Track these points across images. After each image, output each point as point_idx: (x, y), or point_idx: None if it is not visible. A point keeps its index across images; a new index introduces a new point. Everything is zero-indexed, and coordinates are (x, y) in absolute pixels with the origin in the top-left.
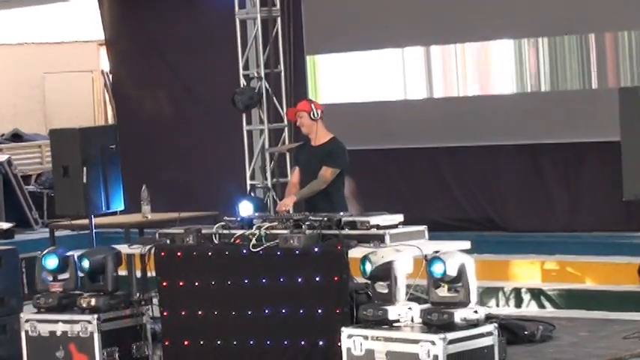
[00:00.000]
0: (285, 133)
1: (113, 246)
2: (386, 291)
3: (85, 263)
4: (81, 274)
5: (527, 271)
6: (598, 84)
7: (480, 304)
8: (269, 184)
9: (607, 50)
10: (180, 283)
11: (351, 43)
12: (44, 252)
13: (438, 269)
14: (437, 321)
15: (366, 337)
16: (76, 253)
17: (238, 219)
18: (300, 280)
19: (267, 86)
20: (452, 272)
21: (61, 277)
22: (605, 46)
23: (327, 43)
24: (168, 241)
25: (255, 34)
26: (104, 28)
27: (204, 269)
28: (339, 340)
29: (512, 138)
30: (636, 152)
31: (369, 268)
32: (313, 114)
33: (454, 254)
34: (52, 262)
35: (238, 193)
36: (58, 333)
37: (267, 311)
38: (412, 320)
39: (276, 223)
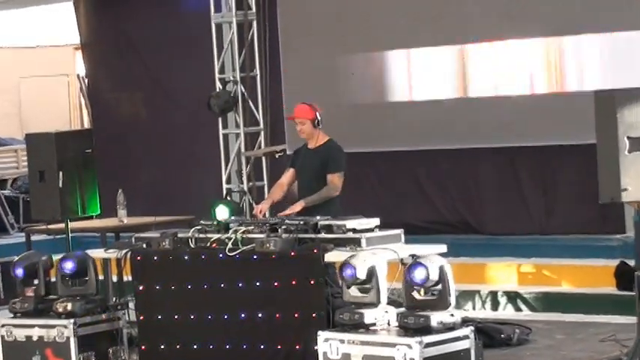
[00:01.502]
0: (262, 137)
1: (88, 251)
2: (361, 294)
3: (69, 265)
4: (54, 279)
5: (503, 274)
6: (573, 87)
7: (457, 308)
8: (245, 188)
9: (581, 53)
10: (157, 288)
11: (326, 46)
12: (16, 259)
13: (420, 275)
14: (413, 324)
15: (342, 341)
16: (54, 257)
17: (214, 223)
18: (276, 284)
19: (243, 90)
20: (434, 277)
21: (36, 282)
22: (580, 49)
23: (302, 46)
24: (144, 246)
25: (230, 38)
26: (80, 32)
27: (181, 273)
28: (316, 344)
29: (488, 141)
30: (611, 155)
31: (351, 272)
32: (317, 122)
33: (433, 258)
34: (19, 271)
35: (214, 197)
36: (35, 338)
37: (243, 315)
38: (389, 324)
39: (252, 227)
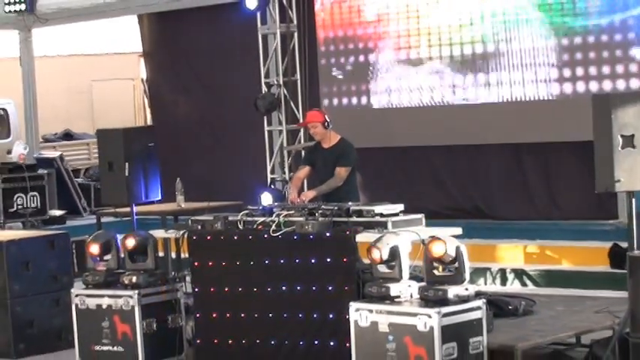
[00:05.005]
0: (301, 133)
1: (150, 232)
2: (388, 270)
3: (131, 242)
4: (122, 255)
5: (511, 254)
6: (574, 91)
7: (470, 283)
8: (287, 178)
9: (576, 56)
10: (210, 263)
11: (357, 53)
12: (89, 237)
13: (439, 249)
14: (433, 297)
15: (370, 311)
16: (119, 236)
17: (260, 208)
18: (313, 260)
19: (286, 92)
20: (452, 252)
21: (106, 257)
22: (585, 53)
23: (337, 54)
24: (199, 227)
25: (275, 47)
26: (143, 42)
27: (231, 251)
28: (348, 313)
29: (499, 138)
30: (607, 151)
31: (377, 254)
32: (327, 124)
33: (450, 239)
34: (94, 247)
35: (260, 186)
36: (104, 306)
37: (284, 288)
38: (411, 296)
39: (293, 212)
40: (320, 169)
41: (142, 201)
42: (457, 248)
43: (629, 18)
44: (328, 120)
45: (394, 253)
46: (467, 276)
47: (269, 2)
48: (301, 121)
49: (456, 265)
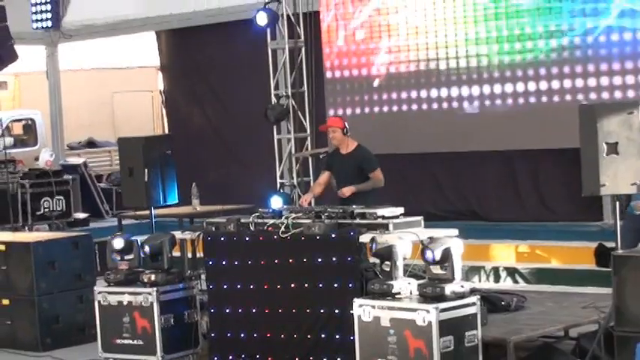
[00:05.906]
0: (308, 141)
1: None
2: (387, 269)
3: (146, 247)
4: (143, 255)
5: (504, 253)
6: (562, 101)
7: (466, 280)
8: (295, 183)
9: (564, 70)
10: (223, 263)
11: (361, 67)
12: (112, 236)
13: (427, 256)
14: (431, 293)
15: (373, 307)
16: (139, 238)
17: (270, 210)
18: (319, 260)
19: (294, 103)
20: (437, 257)
21: (127, 257)
22: (572, 66)
23: (342, 67)
24: (213, 229)
25: (283, 61)
26: (160, 56)
27: (243, 251)
28: (352, 309)
29: (492, 145)
30: (592, 157)
31: (374, 247)
32: (346, 130)
33: (442, 241)
34: (118, 242)
35: (270, 190)
36: (125, 302)
37: (292, 285)
38: (411, 293)
39: (300, 214)
40: (338, 173)
41: (160, 204)
42: (446, 251)
43: (614, 35)
44: (347, 127)
45: (390, 253)
46: (457, 275)
47: (278, 19)
48: (308, 130)
49: (447, 264)
